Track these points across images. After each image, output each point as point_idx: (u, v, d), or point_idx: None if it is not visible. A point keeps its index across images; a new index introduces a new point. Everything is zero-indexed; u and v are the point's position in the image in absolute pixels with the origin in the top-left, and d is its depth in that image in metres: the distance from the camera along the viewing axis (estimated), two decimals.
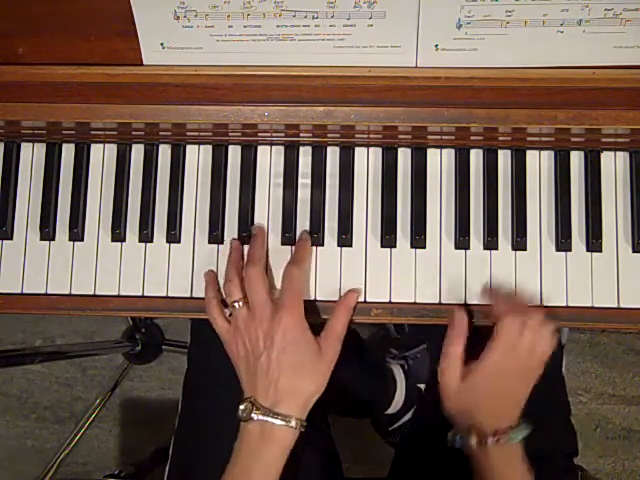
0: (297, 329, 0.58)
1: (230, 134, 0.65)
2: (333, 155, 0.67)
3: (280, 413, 0.56)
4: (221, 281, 0.64)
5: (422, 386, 1.08)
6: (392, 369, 1.22)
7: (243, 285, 0.61)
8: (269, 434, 0.56)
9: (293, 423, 0.56)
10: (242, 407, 0.57)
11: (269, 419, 0.56)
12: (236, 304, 0.60)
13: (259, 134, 0.65)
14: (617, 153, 0.66)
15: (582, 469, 0.79)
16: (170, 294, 0.66)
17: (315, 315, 0.64)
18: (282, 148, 0.67)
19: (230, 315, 0.61)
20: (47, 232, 0.67)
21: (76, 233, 0.67)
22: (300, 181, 0.67)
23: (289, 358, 0.57)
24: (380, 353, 1.31)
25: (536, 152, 0.66)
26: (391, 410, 1.20)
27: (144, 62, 0.61)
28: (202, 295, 0.64)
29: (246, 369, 0.59)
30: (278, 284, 0.64)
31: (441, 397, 0.61)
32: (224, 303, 0.63)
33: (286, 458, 0.57)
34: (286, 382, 0.57)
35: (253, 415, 0.56)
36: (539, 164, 0.66)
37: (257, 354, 0.58)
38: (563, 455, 0.73)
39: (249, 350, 0.58)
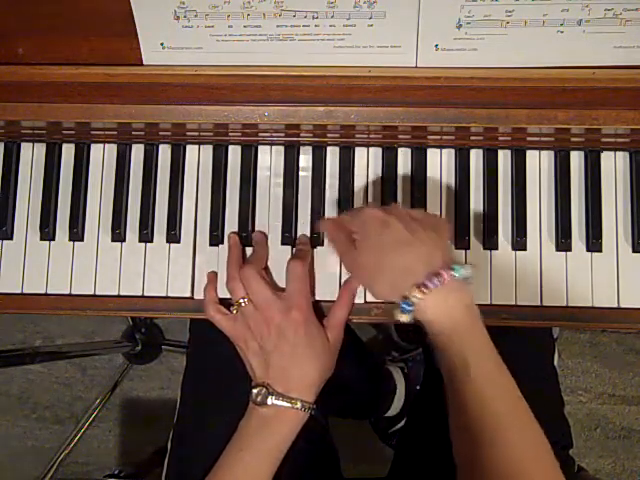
0: (308, 324, 0.60)
1: (230, 134, 0.65)
2: (333, 155, 0.67)
3: (294, 397, 0.59)
4: (221, 280, 0.65)
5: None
6: (392, 372, 1.22)
7: None
8: (282, 416, 0.59)
9: (305, 406, 0.59)
10: (255, 391, 0.59)
11: (284, 403, 0.58)
12: (242, 301, 0.61)
13: (259, 134, 0.65)
14: (617, 153, 0.66)
15: (582, 469, 0.79)
16: (170, 294, 0.66)
17: (315, 314, 0.63)
18: (282, 148, 0.67)
19: (236, 312, 0.61)
20: (47, 232, 0.67)
21: (76, 233, 0.67)
22: (300, 181, 0.67)
23: (301, 351, 0.59)
24: (380, 355, 1.31)
25: (536, 152, 0.66)
26: (390, 412, 1.20)
27: (144, 62, 0.61)
28: (202, 296, 0.64)
29: (258, 362, 0.60)
30: (278, 283, 0.64)
31: (362, 280, 0.60)
32: (223, 303, 0.63)
33: (293, 439, 0.60)
34: (299, 372, 0.59)
35: (268, 400, 0.58)
36: (539, 164, 0.66)
37: (269, 348, 0.59)
38: (558, 447, 0.73)
39: (260, 344, 0.60)
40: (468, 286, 0.55)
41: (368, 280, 0.58)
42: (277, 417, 0.59)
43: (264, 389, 0.59)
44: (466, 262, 0.65)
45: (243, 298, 0.61)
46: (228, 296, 0.63)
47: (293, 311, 0.59)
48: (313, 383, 0.60)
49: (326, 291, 0.65)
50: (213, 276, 0.65)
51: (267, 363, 0.60)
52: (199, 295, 0.65)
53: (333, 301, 0.63)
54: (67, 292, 0.66)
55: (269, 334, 0.59)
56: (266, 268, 0.64)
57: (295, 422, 0.59)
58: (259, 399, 0.58)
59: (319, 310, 0.64)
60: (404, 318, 0.55)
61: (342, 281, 0.65)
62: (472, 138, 0.64)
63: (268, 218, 0.67)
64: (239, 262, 0.63)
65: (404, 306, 0.54)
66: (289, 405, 0.58)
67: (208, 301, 0.63)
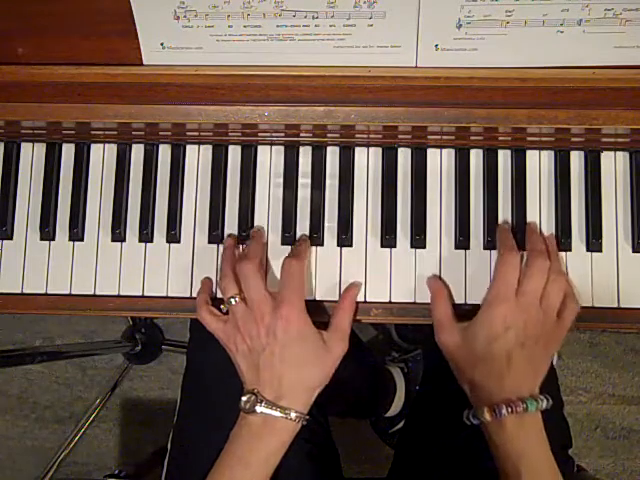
0: (299, 323, 0.58)
1: (230, 134, 0.65)
2: (333, 155, 0.67)
3: (283, 406, 0.56)
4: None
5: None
6: (392, 372, 1.22)
7: (239, 280, 0.60)
8: (271, 426, 0.56)
9: (295, 416, 0.56)
10: (244, 398, 0.56)
11: (272, 412, 0.56)
12: (232, 300, 0.59)
13: (259, 134, 0.65)
14: (617, 153, 0.66)
15: (582, 469, 0.79)
16: (170, 294, 0.66)
17: (316, 314, 0.63)
18: (282, 148, 0.67)
19: (226, 313, 0.60)
20: (47, 232, 0.67)
21: (76, 233, 0.67)
22: (300, 181, 0.67)
23: (292, 352, 0.57)
24: (380, 355, 1.31)
25: (536, 152, 0.66)
26: (391, 413, 1.21)
27: (144, 62, 0.61)
28: None
29: (247, 365, 0.58)
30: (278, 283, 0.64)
31: (453, 369, 0.60)
32: (218, 305, 0.63)
33: (284, 451, 0.57)
34: (290, 376, 0.57)
35: (257, 407, 0.56)
36: (539, 164, 0.66)
37: (259, 349, 0.57)
38: (557, 447, 0.73)
39: (250, 346, 0.58)
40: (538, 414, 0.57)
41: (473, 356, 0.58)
42: (266, 427, 0.56)
43: (253, 396, 0.56)
44: (466, 263, 0.65)
45: (234, 297, 0.59)
46: None
47: (283, 309, 0.57)
48: (305, 391, 0.58)
49: (326, 291, 0.65)
50: (207, 281, 0.65)
51: (257, 366, 0.57)
52: None
53: (333, 301, 0.63)
54: (67, 292, 0.66)
55: (258, 334, 0.57)
56: (265, 268, 0.64)
57: (285, 433, 0.57)
58: (248, 406, 0.56)
59: (320, 310, 0.64)
60: (467, 422, 0.58)
61: (342, 281, 0.65)
62: (472, 138, 0.64)
63: (268, 218, 0.67)
64: (232, 261, 0.62)
65: (472, 420, 0.57)
66: (278, 414, 0.56)
67: (200, 303, 0.62)
